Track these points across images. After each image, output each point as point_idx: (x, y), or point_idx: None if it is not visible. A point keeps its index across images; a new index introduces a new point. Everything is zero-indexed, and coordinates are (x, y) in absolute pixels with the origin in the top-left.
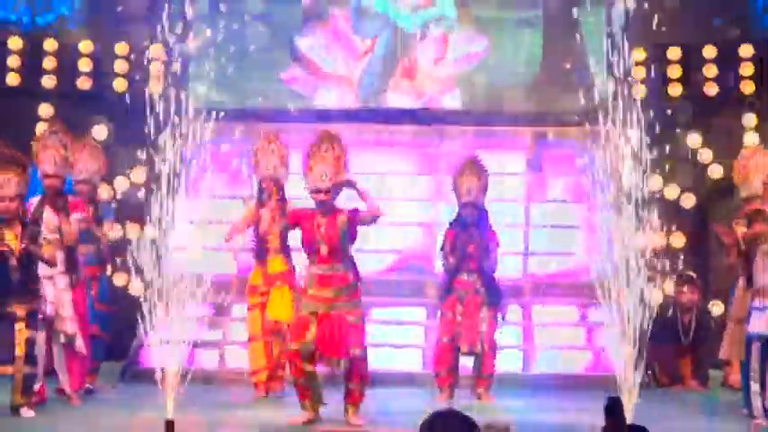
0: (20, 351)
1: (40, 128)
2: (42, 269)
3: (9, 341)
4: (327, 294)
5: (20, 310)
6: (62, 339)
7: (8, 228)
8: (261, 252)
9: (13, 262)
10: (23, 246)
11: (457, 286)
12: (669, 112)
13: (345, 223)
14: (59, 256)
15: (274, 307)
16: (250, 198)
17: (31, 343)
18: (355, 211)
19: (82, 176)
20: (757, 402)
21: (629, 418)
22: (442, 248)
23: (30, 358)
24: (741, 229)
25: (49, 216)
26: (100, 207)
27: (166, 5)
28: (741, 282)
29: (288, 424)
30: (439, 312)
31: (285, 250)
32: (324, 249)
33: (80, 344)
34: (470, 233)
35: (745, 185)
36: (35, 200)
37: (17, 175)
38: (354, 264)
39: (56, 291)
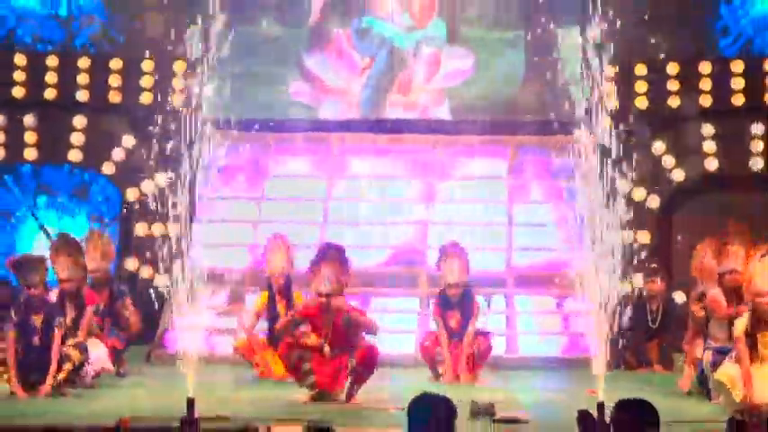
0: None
1: (75, 138)
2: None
3: None
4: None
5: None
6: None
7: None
8: (273, 339)
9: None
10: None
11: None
12: (636, 122)
13: (347, 322)
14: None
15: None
16: (261, 290)
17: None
18: (357, 310)
19: (98, 272)
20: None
21: (601, 395)
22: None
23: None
24: (700, 312)
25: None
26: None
27: (187, 29)
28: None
29: (298, 401)
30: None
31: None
32: (327, 347)
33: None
34: (453, 310)
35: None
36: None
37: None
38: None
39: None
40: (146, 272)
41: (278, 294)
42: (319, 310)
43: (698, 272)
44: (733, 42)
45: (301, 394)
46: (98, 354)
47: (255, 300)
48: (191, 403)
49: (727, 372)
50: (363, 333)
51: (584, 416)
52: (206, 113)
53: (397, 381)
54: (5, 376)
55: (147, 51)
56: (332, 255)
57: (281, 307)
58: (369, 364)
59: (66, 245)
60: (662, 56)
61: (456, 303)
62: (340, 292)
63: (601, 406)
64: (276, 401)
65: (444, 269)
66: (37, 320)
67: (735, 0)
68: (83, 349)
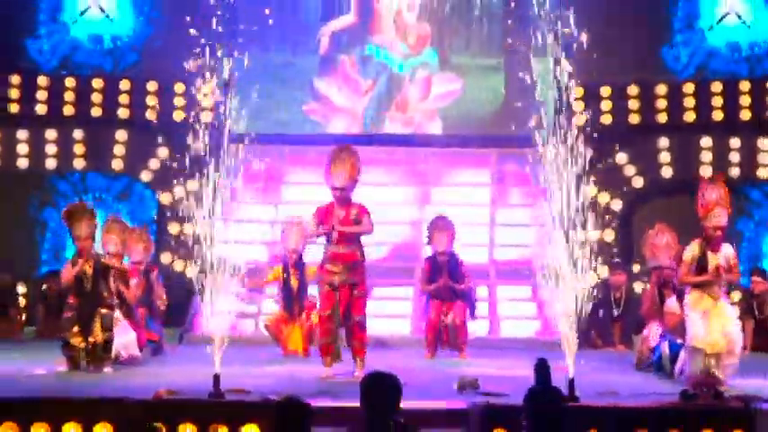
0: (97, 322)
1: (117, 150)
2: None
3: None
4: (338, 268)
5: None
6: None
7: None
8: (288, 305)
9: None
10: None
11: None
12: (601, 136)
13: (357, 214)
14: (120, 313)
15: (293, 340)
16: (277, 262)
17: (107, 317)
18: (364, 208)
19: (137, 259)
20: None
21: (572, 372)
22: (420, 279)
23: (106, 327)
24: (653, 291)
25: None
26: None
27: (215, 57)
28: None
29: (317, 378)
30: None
31: (305, 299)
32: (334, 235)
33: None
34: (442, 273)
35: (654, 259)
36: None
37: (91, 220)
38: (362, 246)
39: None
40: (178, 265)
41: (292, 268)
42: (334, 203)
43: (648, 250)
44: (685, 68)
45: (324, 372)
46: (126, 341)
47: (272, 270)
48: (217, 379)
49: (697, 336)
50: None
51: (540, 363)
52: (231, 129)
53: (395, 359)
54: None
55: (179, 75)
56: (345, 153)
57: (293, 279)
58: (361, 337)
59: (116, 224)
60: (623, 79)
61: (444, 265)
62: (352, 186)
63: (571, 382)
64: (294, 377)
65: (434, 239)
66: (86, 265)
67: (687, 32)
68: (106, 327)
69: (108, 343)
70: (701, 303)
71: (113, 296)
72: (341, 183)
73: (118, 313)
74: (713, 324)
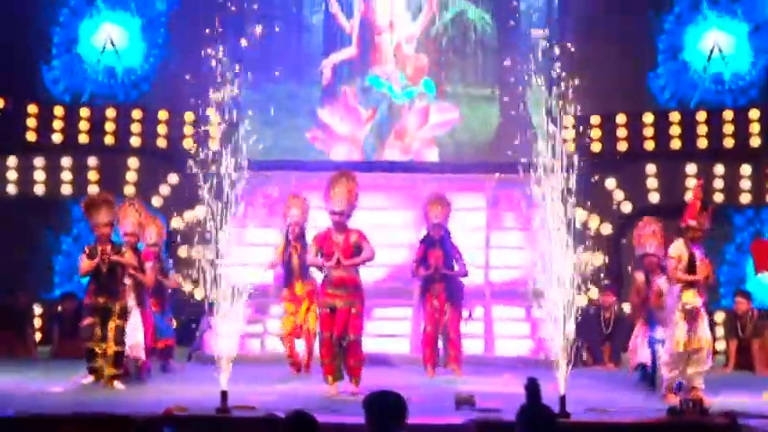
0: (111, 334)
1: (130, 176)
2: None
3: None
4: (340, 292)
5: (113, 306)
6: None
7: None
8: (288, 278)
9: (105, 270)
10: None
11: (430, 288)
12: (591, 163)
13: (356, 240)
14: (133, 296)
15: (302, 314)
16: (281, 231)
17: (120, 329)
18: (363, 234)
19: (152, 242)
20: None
21: (563, 388)
22: (414, 259)
23: (118, 340)
24: (640, 277)
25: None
26: (165, 261)
27: (223, 88)
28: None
29: (321, 395)
30: (421, 308)
31: (306, 276)
32: (335, 260)
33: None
34: (436, 249)
35: (641, 247)
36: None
37: (110, 209)
38: (358, 270)
39: (129, 323)
40: (187, 286)
41: (294, 241)
42: (332, 229)
43: (636, 240)
44: (671, 97)
45: (327, 389)
46: (134, 343)
47: (276, 246)
48: (224, 395)
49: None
50: (359, 260)
51: (530, 382)
52: (238, 156)
53: (394, 377)
54: None
55: (189, 105)
56: (343, 177)
57: (295, 254)
58: (358, 356)
59: (132, 206)
60: (612, 108)
61: (438, 242)
62: (350, 212)
63: (563, 398)
64: (298, 394)
65: (429, 213)
66: (104, 250)
67: (672, 63)
68: (119, 340)
69: (119, 355)
70: (694, 301)
71: (127, 285)
72: (339, 207)
73: (131, 301)
74: (700, 324)
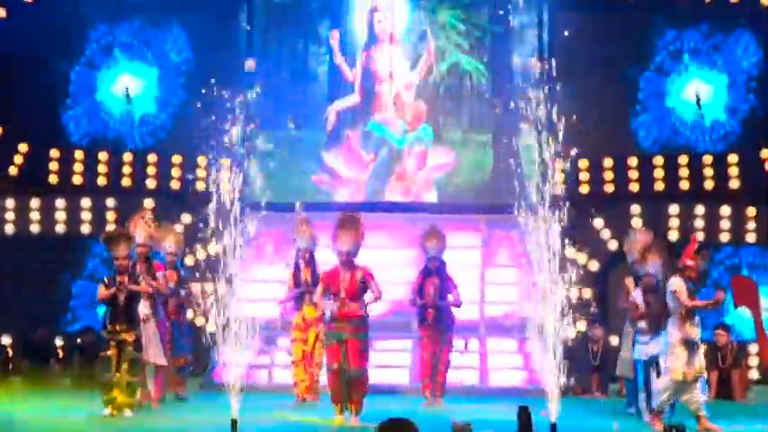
0: (125, 365)
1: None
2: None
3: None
4: (345, 325)
5: (128, 336)
6: (150, 365)
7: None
8: (299, 302)
9: (122, 299)
10: (130, 287)
11: (426, 317)
12: (580, 204)
13: (361, 278)
14: (146, 305)
15: (310, 340)
16: (289, 265)
17: (134, 361)
18: (369, 272)
19: (171, 251)
20: (643, 405)
21: (554, 416)
22: (412, 289)
23: (132, 371)
24: (631, 283)
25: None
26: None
27: (233, 135)
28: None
29: (327, 423)
30: (419, 337)
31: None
32: (344, 294)
33: (162, 365)
34: (433, 279)
35: (642, 264)
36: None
37: (127, 243)
38: (366, 305)
39: (146, 332)
40: (199, 320)
41: (303, 264)
42: (340, 268)
43: (640, 256)
44: (654, 142)
45: (335, 418)
46: (153, 345)
47: (287, 273)
48: (234, 423)
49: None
50: (371, 294)
51: (521, 410)
52: (247, 197)
53: (394, 405)
54: None
55: (201, 149)
56: (350, 221)
57: (305, 274)
58: (361, 390)
59: (143, 219)
60: (599, 153)
61: (434, 271)
62: (357, 251)
63: (554, 427)
64: (306, 424)
65: (426, 246)
66: (122, 281)
67: (655, 110)
68: (133, 371)
69: (132, 385)
70: (695, 333)
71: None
72: (347, 248)
73: (146, 309)
74: (698, 354)
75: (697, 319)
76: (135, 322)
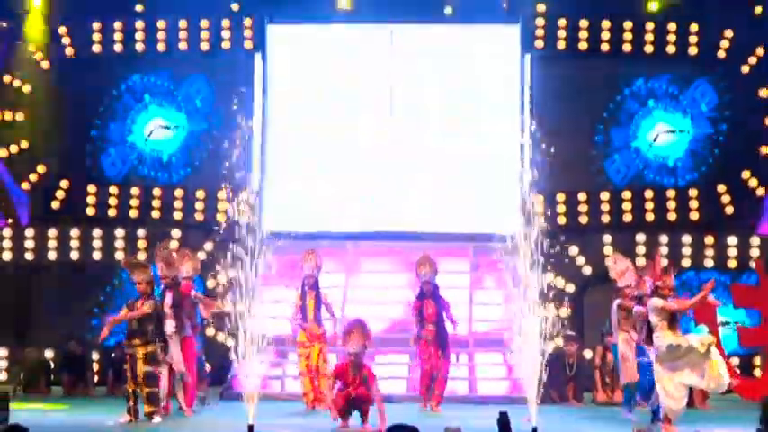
0: (140, 379)
1: (172, 245)
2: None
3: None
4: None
5: (140, 350)
6: (178, 376)
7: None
8: (303, 322)
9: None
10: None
11: (423, 334)
12: (558, 233)
13: (366, 376)
14: (172, 323)
15: (313, 355)
16: (297, 288)
17: (148, 373)
18: (372, 375)
19: (187, 275)
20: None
21: (535, 422)
22: (412, 312)
23: (149, 383)
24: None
25: (168, 298)
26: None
27: (251, 172)
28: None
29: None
30: (417, 352)
31: (318, 320)
32: (353, 387)
33: (187, 378)
34: (428, 301)
35: (621, 281)
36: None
37: (144, 270)
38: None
39: (172, 345)
40: (221, 336)
41: (308, 290)
42: (349, 365)
43: (618, 276)
44: (623, 179)
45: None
46: (176, 360)
47: (294, 297)
48: (250, 429)
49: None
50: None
51: (501, 416)
52: (264, 228)
53: (393, 412)
54: None
55: (222, 183)
56: (358, 326)
57: (309, 299)
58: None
59: (161, 250)
60: (574, 188)
61: (429, 294)
62: (364, 352)
63: (534, 430)
64: (315, 427)
65: (420, 271)
66: (138, 305)
67: (625, 151)
68: (150, 383)
69: (152, 395)
70: (682, 338)
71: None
72: (354, 350)
73: (170, 328)
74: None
75: (680, 330)
76: (149, 338)
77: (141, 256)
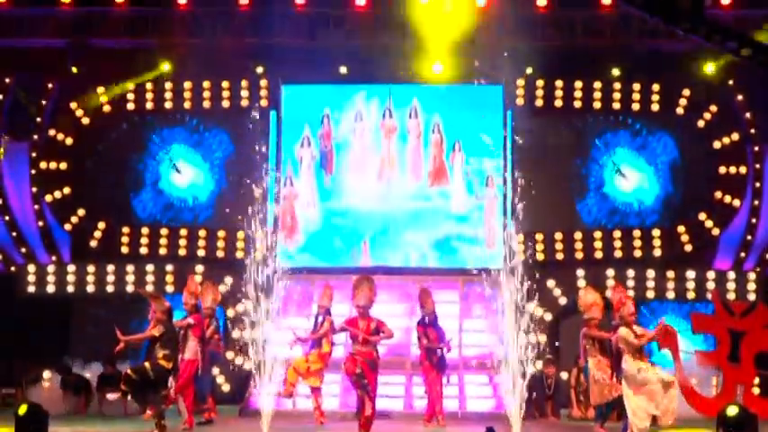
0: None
1: (197, 279)
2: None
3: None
4: (362, 360)
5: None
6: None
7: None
8: (314, 345)
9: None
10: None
11: (428, 358)
12: (536, 268)
13: (376, 326)
14: (190, 349)
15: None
16: (311, 317)
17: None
18: (382, 321)
19: (207, 305)
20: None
21: None
22: (418, 338)
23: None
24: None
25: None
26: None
27: (266, 212)
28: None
29: None
30: (423, 374)
31: (325, 344)
32: (360, 338)
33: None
34: (429, 328)
35: (587, 313)
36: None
37: (154, 300)
38: (377, 348)
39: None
40: (239, 359)
41: (322, 318)
42: (358, 317)
43: (584, 308)
44: (594, 220)
45: None
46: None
47: (310, 322)
48: None
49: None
50: (382, 336)
51: (488, 430)
52: (277, 263)
53: (391, 427)
54: None
55: (241, 225)
56: (366, 281)
57: (320, 326)
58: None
59: (191, 283)
60: (551, 228)
61: (431, 323)
62: (371, 305)
63: None
64: None
65: (422, 303)
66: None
67: (596, 195)
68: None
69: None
70: (646, 365)
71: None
72: (363, 302)
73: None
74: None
75: (646, 356)
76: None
77: (149, 288)
